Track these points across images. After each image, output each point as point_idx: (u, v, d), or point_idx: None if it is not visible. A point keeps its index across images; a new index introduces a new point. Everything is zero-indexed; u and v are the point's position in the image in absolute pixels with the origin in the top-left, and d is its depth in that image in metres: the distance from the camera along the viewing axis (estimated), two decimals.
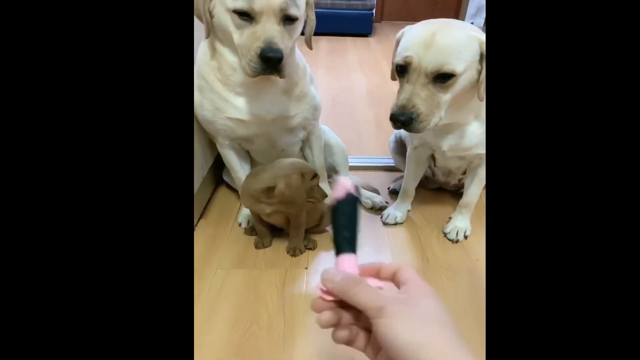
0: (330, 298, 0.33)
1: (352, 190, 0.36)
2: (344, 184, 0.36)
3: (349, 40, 3.44)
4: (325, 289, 0.33)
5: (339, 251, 0.35)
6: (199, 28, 0.77)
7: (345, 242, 0.35)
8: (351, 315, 0.34)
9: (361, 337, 0.34)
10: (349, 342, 0.34)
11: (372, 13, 3.56)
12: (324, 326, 0.33)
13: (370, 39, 3.53)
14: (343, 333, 0.33)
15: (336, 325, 0.34)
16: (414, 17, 4.20)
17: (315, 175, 0.82)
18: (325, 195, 0.85)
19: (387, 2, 4.27)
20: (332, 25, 3.47)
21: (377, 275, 0.35)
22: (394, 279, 0.34)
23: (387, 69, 2.51)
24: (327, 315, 0.33)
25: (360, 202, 0.33)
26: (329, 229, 0.99)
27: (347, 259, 0.34)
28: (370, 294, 0.31)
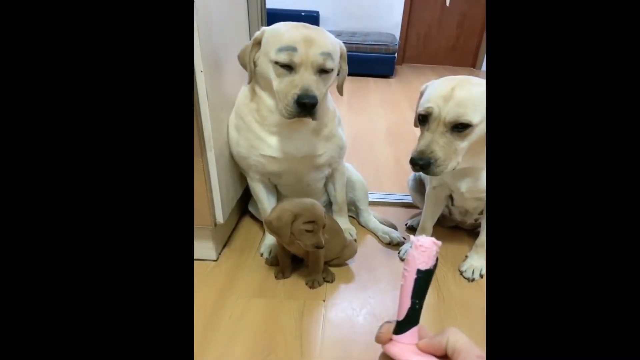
0: None
1: (436, 254, 0.32)
2: (430, 248, 0.32)
3: (371, 80, 3.58)
4: None
5: (406, 323, 0.34)
6: (242, 75, 0.87)
7: (415, 314, 0.34)
8: None
9: None
10: None
11: (395, 57, 3.71)
12: None
13: (391, 80, 3.67)
14: None
15: None
16: (434, 60, 4.36)
17: (311, 222, 0.82)
18: (316, 246, 0.83)
19: (409, 47, 4.43)
20: (356, 67, 3.62)
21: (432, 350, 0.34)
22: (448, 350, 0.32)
23: (407, 109, 2.61)
24: None
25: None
26: (351, 262, 1.02)
27: (410, 333, 0.34)
28: None
